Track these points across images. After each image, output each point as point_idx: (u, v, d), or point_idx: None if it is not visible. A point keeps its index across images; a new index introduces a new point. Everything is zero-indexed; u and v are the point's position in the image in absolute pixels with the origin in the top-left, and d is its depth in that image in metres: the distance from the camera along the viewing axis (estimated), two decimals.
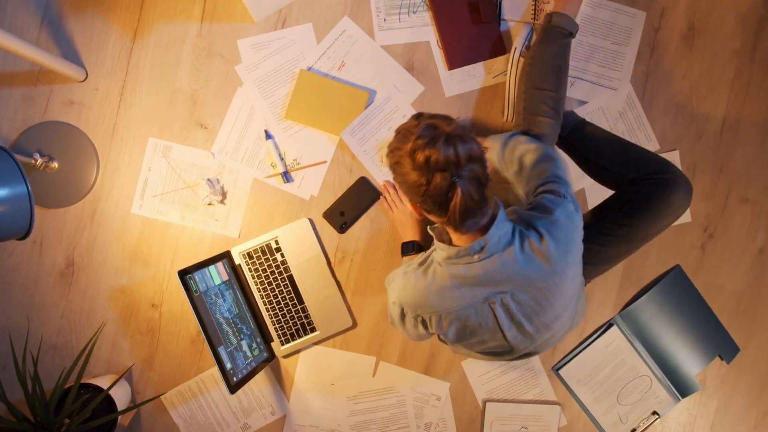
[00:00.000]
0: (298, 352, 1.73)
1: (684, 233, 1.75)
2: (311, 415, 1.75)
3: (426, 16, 1.72)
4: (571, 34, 1.57)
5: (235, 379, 1.52)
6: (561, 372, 1.75)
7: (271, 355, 1.71)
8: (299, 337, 1.71)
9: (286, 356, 1.73)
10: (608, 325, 1.75)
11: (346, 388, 1.74)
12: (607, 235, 1.44)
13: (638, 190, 1.43)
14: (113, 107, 1.72)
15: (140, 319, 1.73)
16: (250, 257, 1.70)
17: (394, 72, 1.72)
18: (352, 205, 1.72)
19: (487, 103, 1.73)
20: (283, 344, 1.70)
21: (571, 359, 1.75)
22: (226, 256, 1.68)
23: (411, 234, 1.65)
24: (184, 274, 1.47)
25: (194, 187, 1.72)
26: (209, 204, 1.71)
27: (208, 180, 1.70)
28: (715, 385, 1.75)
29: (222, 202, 1.72)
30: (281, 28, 1.72)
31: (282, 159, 1.71)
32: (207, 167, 1.72)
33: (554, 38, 1.56)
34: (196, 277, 1.52)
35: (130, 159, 1.72)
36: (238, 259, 1.70)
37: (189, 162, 1.72)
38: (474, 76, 1.73)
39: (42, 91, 1.71)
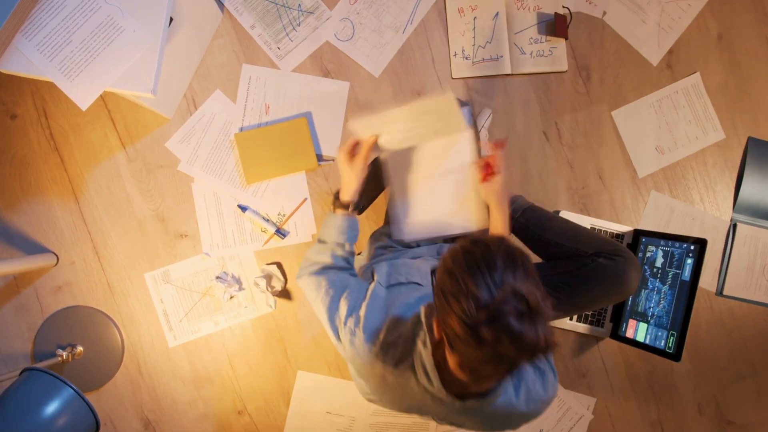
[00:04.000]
0: None
1: (642, 64, 1.75)
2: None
3: (311, 21, 1.70)
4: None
5: None
6: (725, 293, 1.76)
7: None
8: None
9: None
10: (732, 228, 1.75)
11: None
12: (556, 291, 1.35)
13: (596, 263, 1.35)
14: (97, 269, 1.71)
15: (236, 431, 1.74)
16: None
17: (314, 85, 1.71)
18: (368, 185, 1.67)
19: (412, 58, 1.73)
20: None
21: (725, 277, 1.76)
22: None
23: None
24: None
25: (209, 291, 1.72)
26: (231, 297, 1.71)
27: (218, 278, 1.70)
28: None
29: (241, 288, 1.71)
30: (196, 110, 1.70)
31: (268, 220, 1.71)
32: (209, 268, 1.72)
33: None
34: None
35: (140, 303, 1.72)
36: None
37: (191, 273, 1.72)
38: (386, 42, 1.72)
39: (28, 294, 1.70)
